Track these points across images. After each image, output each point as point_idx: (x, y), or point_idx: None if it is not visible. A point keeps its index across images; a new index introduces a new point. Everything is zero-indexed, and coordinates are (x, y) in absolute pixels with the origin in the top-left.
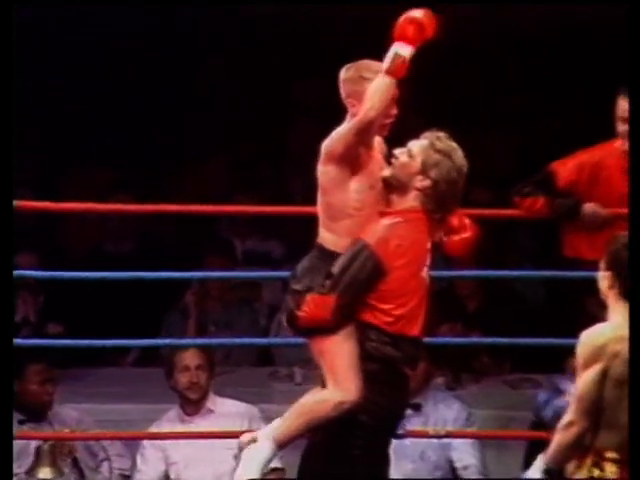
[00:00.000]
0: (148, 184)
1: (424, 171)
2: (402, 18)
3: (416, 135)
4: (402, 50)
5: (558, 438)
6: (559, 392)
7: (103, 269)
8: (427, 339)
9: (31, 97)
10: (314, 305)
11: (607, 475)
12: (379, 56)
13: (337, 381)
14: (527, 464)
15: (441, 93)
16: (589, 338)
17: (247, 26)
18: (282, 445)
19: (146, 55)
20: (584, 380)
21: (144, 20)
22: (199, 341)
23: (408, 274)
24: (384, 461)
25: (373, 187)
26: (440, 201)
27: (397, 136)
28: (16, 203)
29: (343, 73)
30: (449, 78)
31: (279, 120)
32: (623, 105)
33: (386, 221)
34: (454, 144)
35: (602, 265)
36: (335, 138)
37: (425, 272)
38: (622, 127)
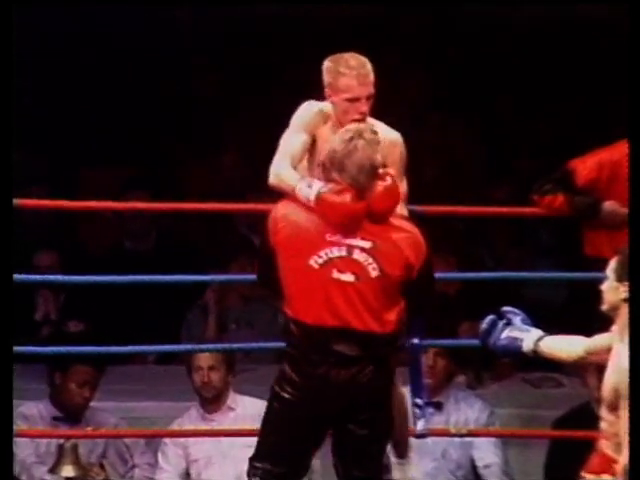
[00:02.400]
0: (163, 182)
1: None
2: (330, 202)
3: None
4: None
5: None
6: (507, 321)
7: (124, 267)
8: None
9: (49, 96)
10: None
11: None
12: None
13: None
14: (549, 463)
15: (462, 88)
16: None
17: (259, 24)
18: None
19: (159, 53)
20: None
21: (155, 17)
22: (213, 346)
23: (287, 255)
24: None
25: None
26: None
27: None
28: (33, 202)
29: (325, 62)
30: (470, 75)
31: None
32: None
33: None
34: (353, 133)
35: (614, 276)
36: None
37: (316, 261)
38: None
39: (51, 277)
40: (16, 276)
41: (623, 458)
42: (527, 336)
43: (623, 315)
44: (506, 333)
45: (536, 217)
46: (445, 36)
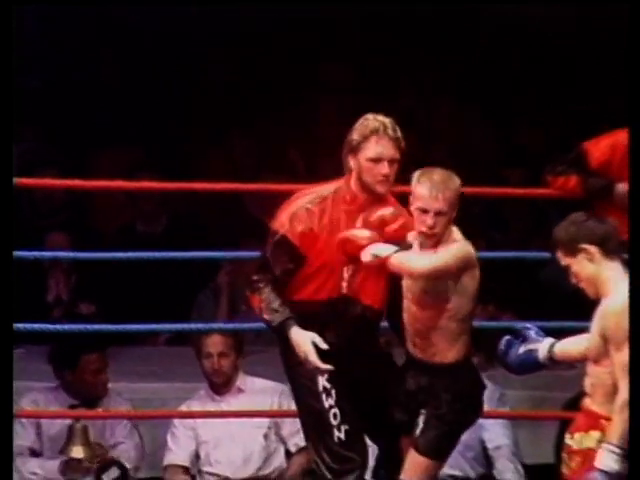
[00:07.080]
0: (174, 164)
1: None
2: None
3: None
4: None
5: (623, 417)
6: (523, 338)
7: (135, 249)
8: None
9: (57, 79)
10: None
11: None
12: None
13: None
14: (560, 444)
15: (476, 79)
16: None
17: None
18: None
19: (171, 36)
20: None
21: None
22: (225, 326)
23: None
24: None
25: None
26: None
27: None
28: (44, 181)
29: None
30: (484, 66)
31: (307, 102)
32: None
33: None
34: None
35: (564, 251)
36: None
37: None
38: None
39: (61, 253)
40: (24, 252)
41: (622, 394)
42: (540, 346)
43: (593, 276)
44: (523, 348)
45: (549, 198)
46: (460, 25)
